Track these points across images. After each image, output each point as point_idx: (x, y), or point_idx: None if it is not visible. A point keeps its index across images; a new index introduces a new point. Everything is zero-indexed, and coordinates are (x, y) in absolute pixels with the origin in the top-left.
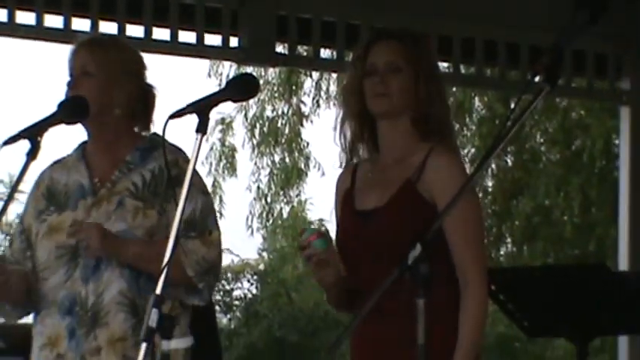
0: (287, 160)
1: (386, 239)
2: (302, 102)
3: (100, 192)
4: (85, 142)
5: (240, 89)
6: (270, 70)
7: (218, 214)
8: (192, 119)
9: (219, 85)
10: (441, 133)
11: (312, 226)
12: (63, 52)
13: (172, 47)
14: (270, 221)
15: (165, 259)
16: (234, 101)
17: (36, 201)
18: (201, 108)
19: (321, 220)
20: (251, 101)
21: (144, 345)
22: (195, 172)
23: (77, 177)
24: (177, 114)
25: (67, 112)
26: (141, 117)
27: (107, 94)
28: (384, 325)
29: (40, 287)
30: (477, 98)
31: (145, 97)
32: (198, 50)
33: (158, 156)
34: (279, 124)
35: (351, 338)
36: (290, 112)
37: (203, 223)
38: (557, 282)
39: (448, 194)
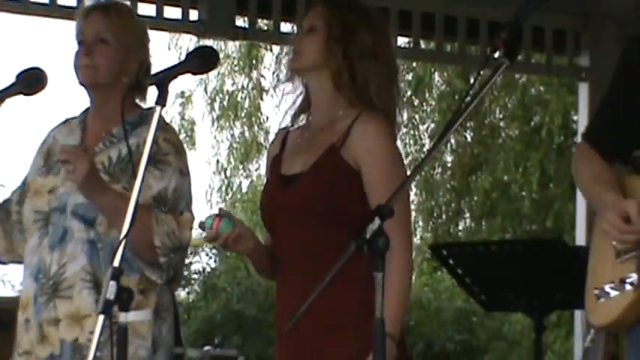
0: (246, 134)
1: (307, 204)
2: (262, 76)
3: None
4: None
5: (200, 62)
6: (231, 43)
7: None
8: (152, 91)
9: (179, 58)
10: (371, 99)
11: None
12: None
13: None
14: (230, 195)
15: (124, 232)
16: (194, 74)
17: (38, 159)
18: (161, 80)
19: None
20: (211, 75)
21: (101, 317)
22: (177, 152)
23: (71, 141)
24: None
25: (26, 83)
26: (142, 88)
27: (122, 63)
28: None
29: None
30: (436, 73)
31: (149, 67)
32: (157, 23)
33: (141, 132)
34: (239, 98)
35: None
36: (250, 86)
37: (174, 203)
38: (514, 257)
39: (372, 162)
